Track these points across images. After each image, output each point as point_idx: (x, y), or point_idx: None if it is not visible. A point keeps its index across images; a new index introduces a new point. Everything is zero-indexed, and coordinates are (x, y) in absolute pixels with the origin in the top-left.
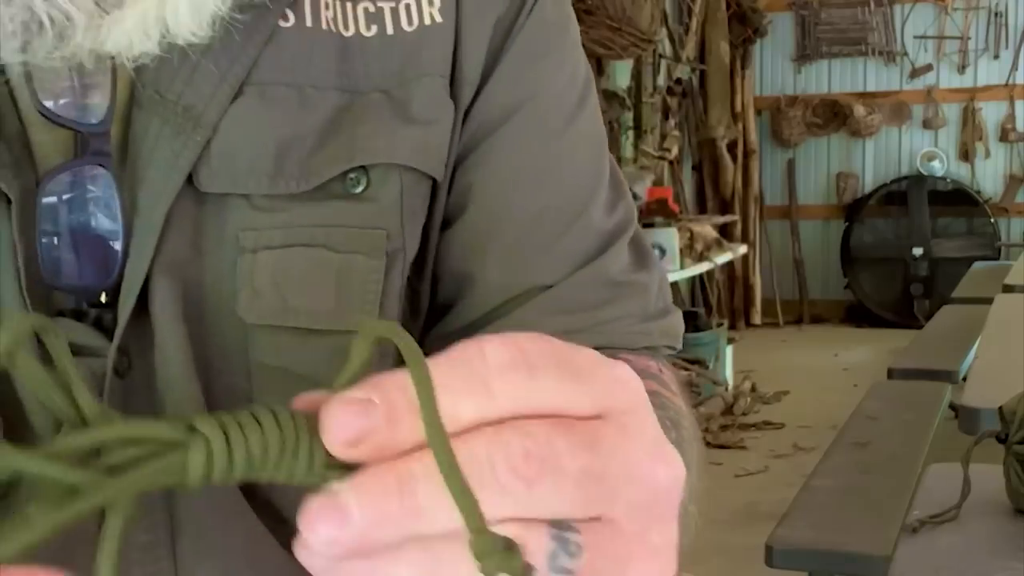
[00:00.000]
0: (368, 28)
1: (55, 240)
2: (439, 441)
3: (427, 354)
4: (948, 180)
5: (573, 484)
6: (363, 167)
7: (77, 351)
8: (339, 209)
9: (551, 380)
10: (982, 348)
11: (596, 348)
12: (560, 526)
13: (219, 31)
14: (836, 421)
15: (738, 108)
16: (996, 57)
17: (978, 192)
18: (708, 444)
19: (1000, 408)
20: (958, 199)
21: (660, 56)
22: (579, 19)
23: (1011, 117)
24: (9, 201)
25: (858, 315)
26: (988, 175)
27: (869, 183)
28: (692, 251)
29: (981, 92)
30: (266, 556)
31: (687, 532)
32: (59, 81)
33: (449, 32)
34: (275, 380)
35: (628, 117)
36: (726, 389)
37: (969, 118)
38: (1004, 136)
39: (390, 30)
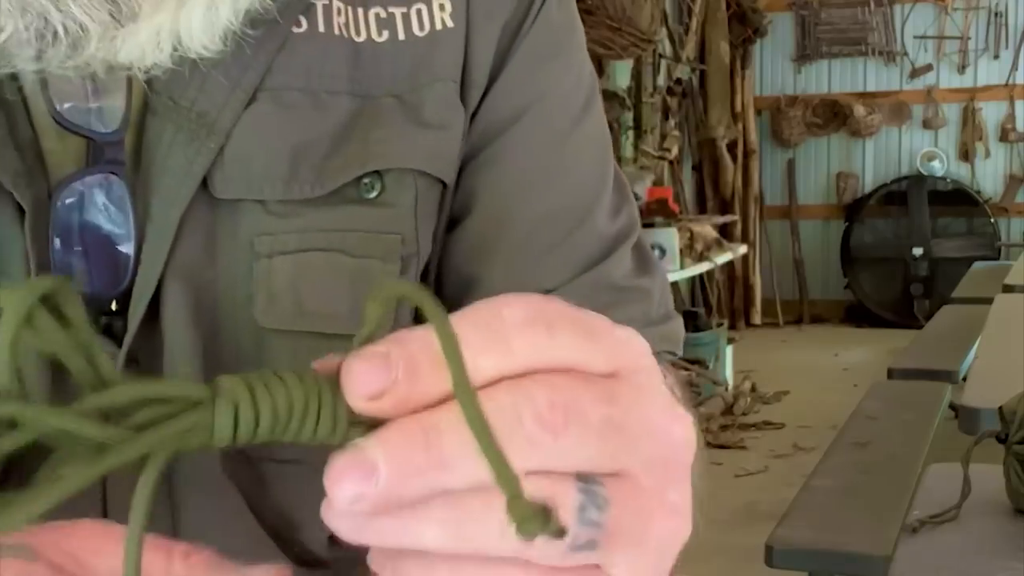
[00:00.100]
0: (380, 33)
1: (67, 248)
2: (468, 398)
3: None
4: (948, 180)
5: (596, 434)
6: (377, 172)
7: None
8: (354, 214)
9: (568, 337)
10: (982, 348)
11: None
12: (587, 479)
13: (231, 45)
14: (836, 421)
15: (738, 108)
16: (996, 57)
17: (978, 192)
18: (708, 444)
19: (1000, 408)
20: (958, 199)
21: (660, 56)
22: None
23: (1011, 117)
24: (22, 210)
25: (858, 315)
26: (988, 175)
27: (869, 183)
28: (692, 251)
29: (981, 92)
30: (267, 561)
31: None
32: (73, 89)
33: (460, 37)
34: None
35: (628, 117)
36: (726, 389)
37: (969, 118)
38: (1004, 136)
39: (401, 35)
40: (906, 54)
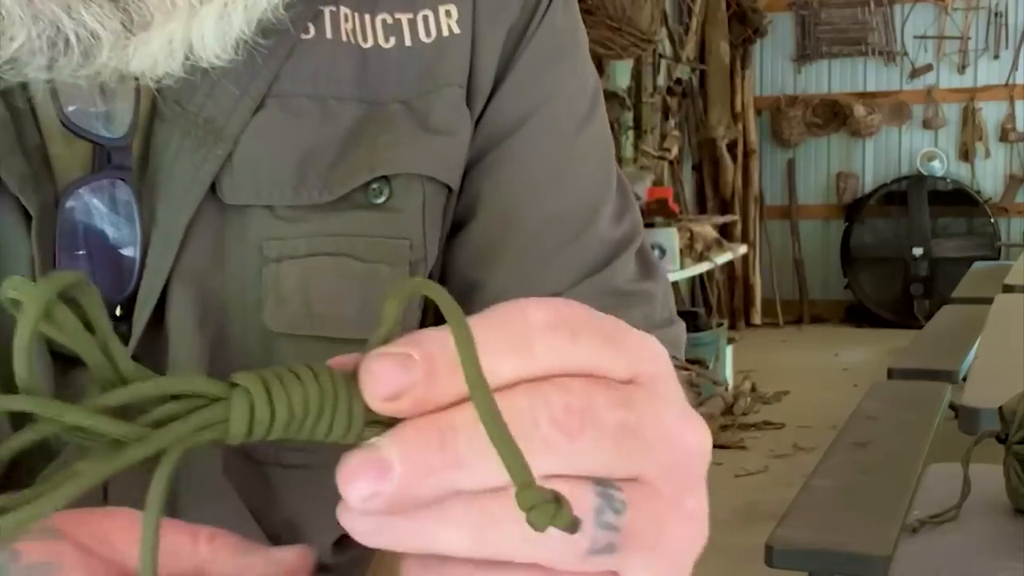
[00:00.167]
0: (387, 40)
1: (72, 253)
2: (482, 394)
3: None
4: (948, 180)
5: (612, 438)
6: (385, 177)
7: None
8: (362, 219)
9: (589, 342)
10: (982, 348)
11: None
12: (603, 483)
13: (243, 54)
14: (836, 421)
15: (738, 108)
16: (996, 57)
17: (978, 192)
18: None
19: (1000, 408)
20: (958, 199)
21: (660, 56)
22: None
23: (1011, 117)
24: (28, 215)
25: (858, 315)
26: (988, 175)
27: (869, 183)
28: (692, 251)
29: (981, 92)
30: None
31: None
32: (80, 93)
33: (466, 43)
34: None
35: (628, 117)
36: (726, 389)
37: (969, 118)
38: (1004, 136)
39: (408, 41)
40: (906, 54)
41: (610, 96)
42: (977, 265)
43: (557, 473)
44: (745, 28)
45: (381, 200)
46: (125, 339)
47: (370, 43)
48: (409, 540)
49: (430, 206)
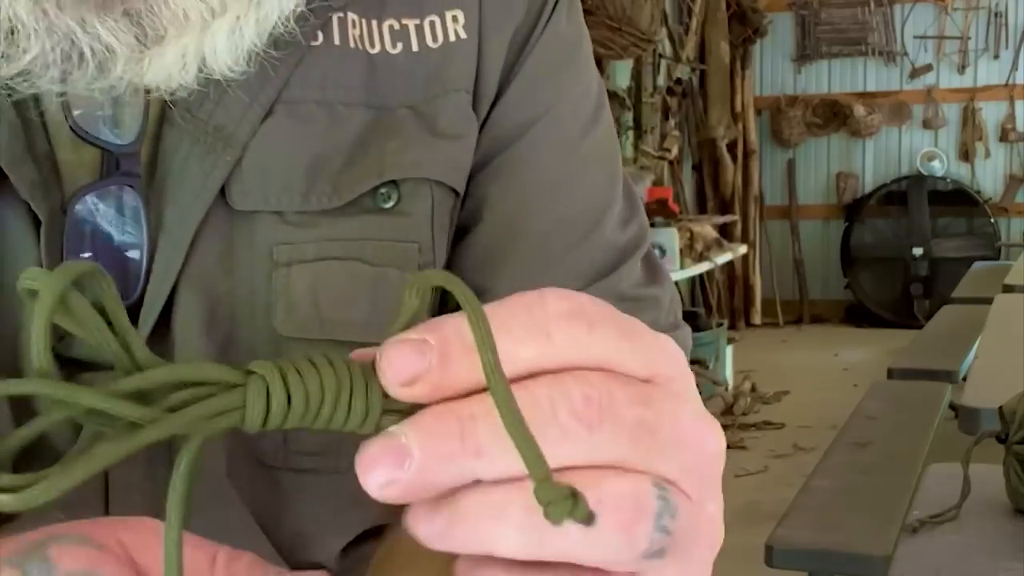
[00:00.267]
0: (394, 46)
1: (79, 258)
2: (499, 385)
3: None
4: (948, 180)
5: (630, 433)
6: (394, 182)
7: (95, 366)
8: (371, 223)
9: (608, 336)
10: (982, 348)
11: None
12: (661, 486)
13: (255, 65)
14: (836, 421)
15: (738, 108)
16: (996, 57)
17: (978, 192)
18: None
19: (1000, 408)
20: (958, 199)
21: (660, 56)
22: None
23: (1011, 117)
24: (37, 221)
25: (858, 315)
26: (988, 175)
27: (869, 183)
28: (692, 251)
29: (981, 92)
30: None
31: None
32: (89, 100)
33: (472, 48)
34: None
35: (628, 117)
36: (726, 389)
37: (969, 118)
38: (1004, 136)
39: (415, 47)
40: (906, 54)
41: (610, 96)
42: (977, 265)
43: (573, 463)
44: (745, 28)
45: (390, 204)
46: None
47: (377, 49)
48: (471, 543)
49: (438, 210)
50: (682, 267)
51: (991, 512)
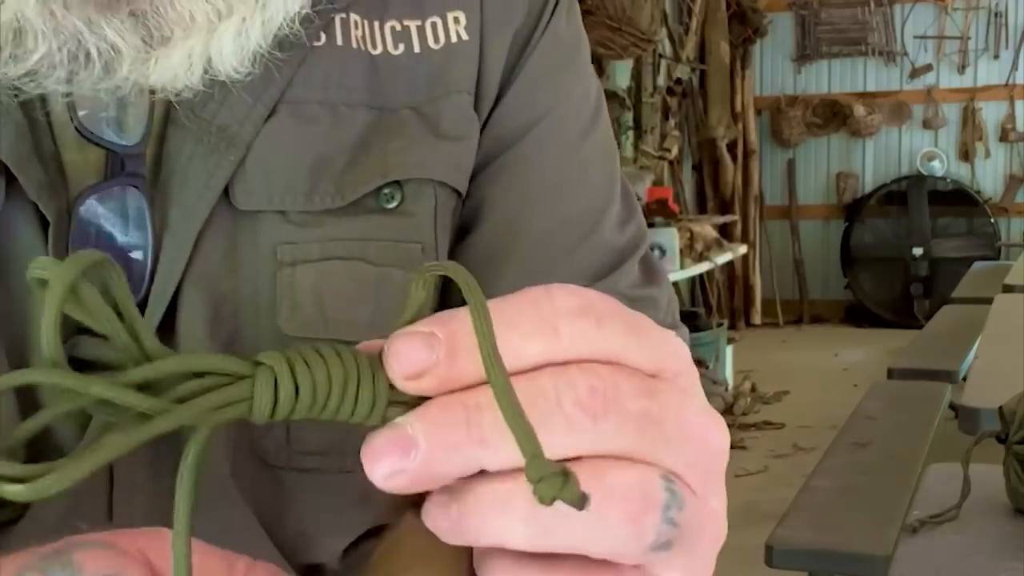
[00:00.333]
0: (395, 47)
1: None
2: (495, 369)
3: None
4: (948, 180)
5: (635, 425)
6: (397, 182)
7: (101, 366)
8: (374, 223)
9: (615, 331)
10: (982, 348)
11: None
12: (668, 478)
13: (259, 67)
14: (836, 421)
15: (738, 108)
16: (996, 57)
17: (978, 192)
18: None
19: (1000, 408)
20: (958, 199)
21: (660, 56)
22: None
23: (1011, 117)
24: (44, 222)
25: (858, 315)
26: (988, 175)
27: (869, 183)
28: (692, 251)
29: (981, 92)
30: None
31: None
32: (94, 101)
33: (474, 49)
34: None
35: (628, 117)
36: (726, 389)
37: (969, 118)
38: (1004, 136)
39: (417, 48)
40: (906, 54)
41: (610, 96)
42: (977, 265)
43: (577, 454)
44: (745, 28)
45: (393, 205)
46: None
47: (379, 50)
48: (481, 536)
49: (441, 210)
50: (682, 267)
51: (991, 512)
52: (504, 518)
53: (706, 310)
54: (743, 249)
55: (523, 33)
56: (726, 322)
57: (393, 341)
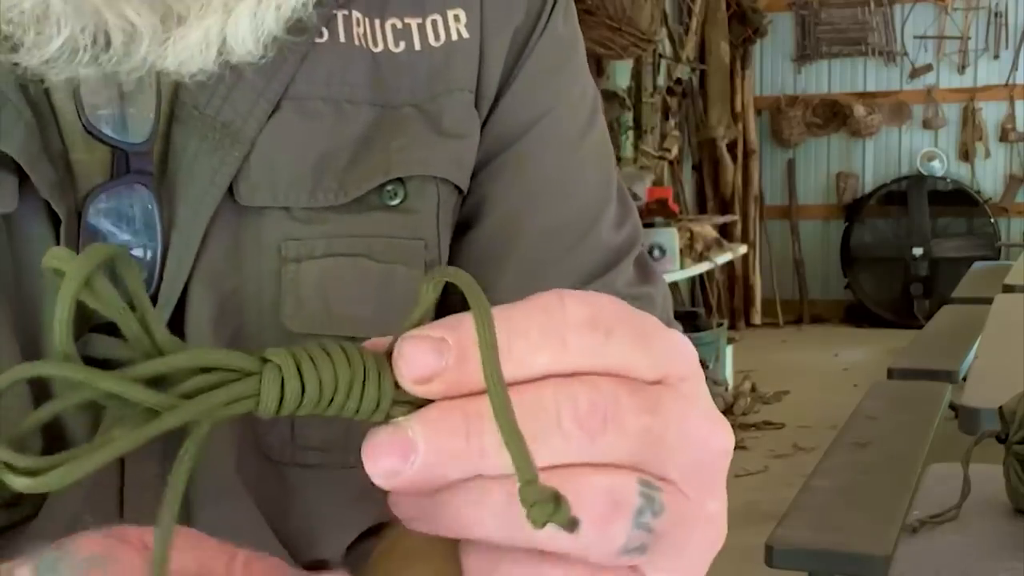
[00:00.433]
0: (396, 44)
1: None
2: (496, 387)
3: None
4: (948, 180)
5: (632, 442)
6: (400, 179)
7: (112, 364)
8: (378, 220)
9: (622, 343)
10: (982, 348)
11: None
12: (648, 484)
13: (272, 51)
14: (836, 421)
15: (738, 108)
16: (996, 57)
17: (978, 192)
18: None
19: (1000, 408)
20: (958, 199)
21: (660, 56)
22: (579, 19)
23: (1011, 117)
24: (55, 220)
25: (858, 315)
26: (988, 175)
27: (869, 183)
28: (692, 251)
29: (981, 92)
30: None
31: None
32: (100, 100)
33: (474, 47)
34: None
35: (628, 117)
36: (726, 389)
37: (969, 118)
38: (1004, 136)
39: (417, 46)
40: (906, 54)
41: (610, 96)
42: (977, 265)
43: (570, 463)
44: (745, 28)
45: (396, 202)
46: None
47: (380, 47)
48: (449, 526)
49: (444, 207)
50: (682, 267)
51: (991, 512)
52: (477, 511)
53: (706, 310)
54: (743, 249)
55: (523, 32)
56: (726, 322)
57: (403, 344)
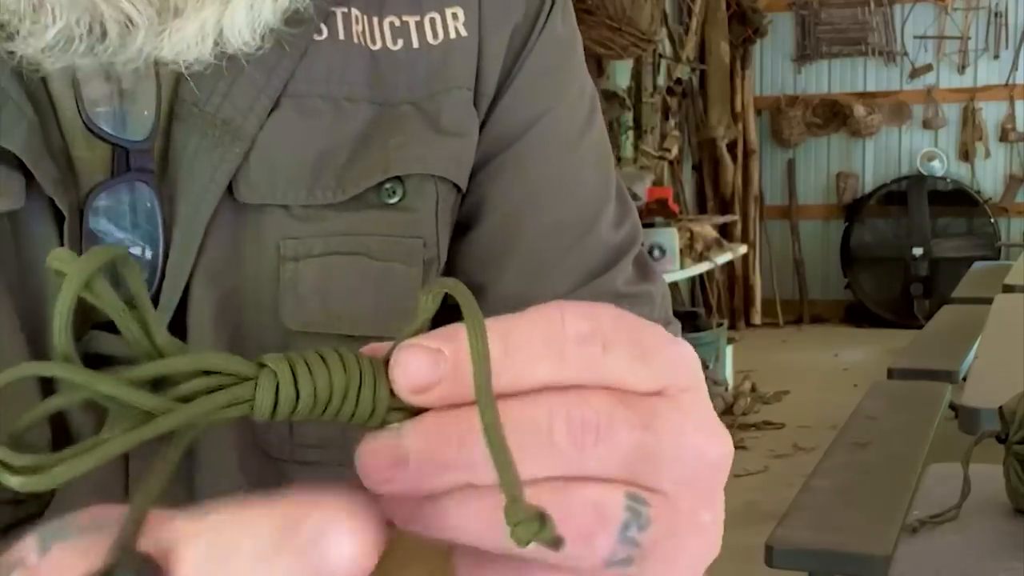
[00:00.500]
0: (394, 42)
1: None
2: (486, 402)
3: None
4: (948, 180)
5: (623, 457)
6: (398, 177)
7: (114, 361)
8: (376, 218)
9: (621, 357)
10: (982, 348)
11: None
12: (635, 497)
13: (269, 42)
14: (836, 421)
15: (738, 108)
16: (996, 57)
17: (978, 192)
18: None
19: (1000, 408)
20: (958, 199)
21: (660, 56)
22: (579, 19)
23: (1011, 117)
24: (59, 219)
25: (858, 315)
26: (988, 175)
27: (869, 183)
28: (692, 251)
29: (981, 92)
30: None
31: None
32: (101, 97)
33: (473, 46)
34: None
35: (628, 117)
36: (726, 389)
37: (969, 118)
38: (1004, 136)
39: (416, 44)
40: (906, 54)
41: (610, 96)
42: (977, 265)
43: (555, 477)
44: (745, 28)
45: (394, 200)
46: None
47: (379, 45)
48: (439, 530)
49: (442, 206)
50: (682, 267)
51: (991, 512)
52: (465, 518)
53: (706, 310)
54: (743, 249)
55: (521, 31)
56: (726, 322)
57: (400, 352)
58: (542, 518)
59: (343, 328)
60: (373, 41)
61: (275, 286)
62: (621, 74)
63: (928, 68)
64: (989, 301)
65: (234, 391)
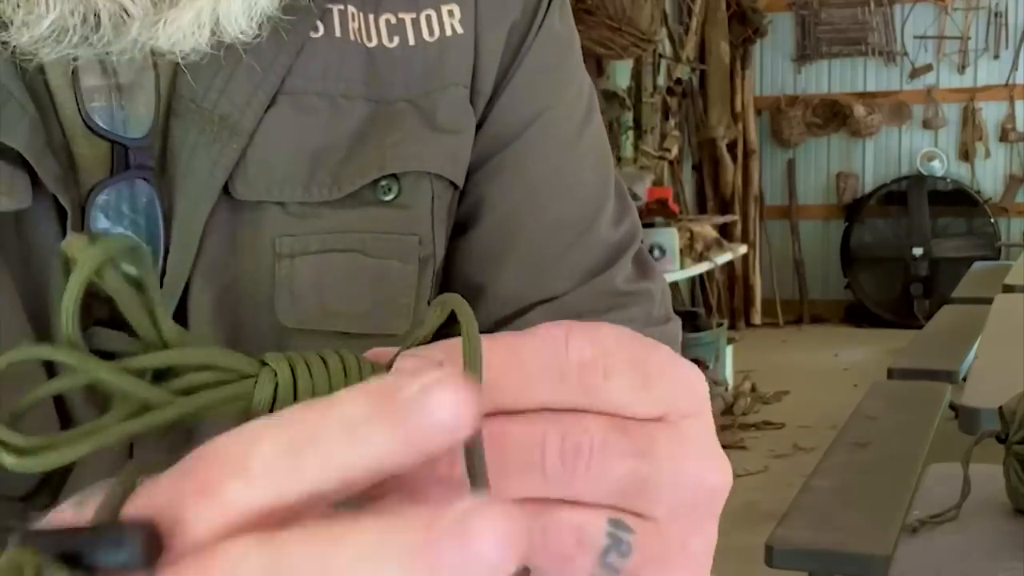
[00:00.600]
0: (390, 39)
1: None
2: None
3: None
4: (948, 180)
5: (614, 486)
6: (394, 175)
7: (115, 357)
8: (372, 215)
9: (623, 383)
10: (982, 348)
11: None
12: (617, 524)
13: (266, 30)
14: (836, 421)
15: (738, 108)
16: (996, 57)
17: (978, 192)
18: None
19: (1000, 408)
20: (958, 199)
21: (660, 56)
22: (579, 19)
23: (1011, 117)
24: (61, 216)
25: (858, 315)
26: (988, 175)
27: (869, 183)
28: (692, 251)
29: (981, 92)
30: None
31: None
32: (100, 94)
33: (469, 43)
34: None
35: (628, 117)
36: (726, 389)
37: (969, 118)
38: (1004, 136)
39: (411, 41)
40: (906, 54)
41: (610, 96)
42: (977, 265)
43: (545, 498)
44: (745, 28)
45: (390, 197)
46: None
47: (375, 43)
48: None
49: (438, 203)
50: (682, 267)
51: (991, 512)
52: None
53: (706, 310)
54: (743, 249)
55: (519, 29)
56: (726, 322)
57: (403, 361)
58: None
59: (339, 325)
60: (369, 38)
61: (271, 283)
62: (621, 74)
63: (928, 68)
64: (989, 301)
65: (233, 387)
